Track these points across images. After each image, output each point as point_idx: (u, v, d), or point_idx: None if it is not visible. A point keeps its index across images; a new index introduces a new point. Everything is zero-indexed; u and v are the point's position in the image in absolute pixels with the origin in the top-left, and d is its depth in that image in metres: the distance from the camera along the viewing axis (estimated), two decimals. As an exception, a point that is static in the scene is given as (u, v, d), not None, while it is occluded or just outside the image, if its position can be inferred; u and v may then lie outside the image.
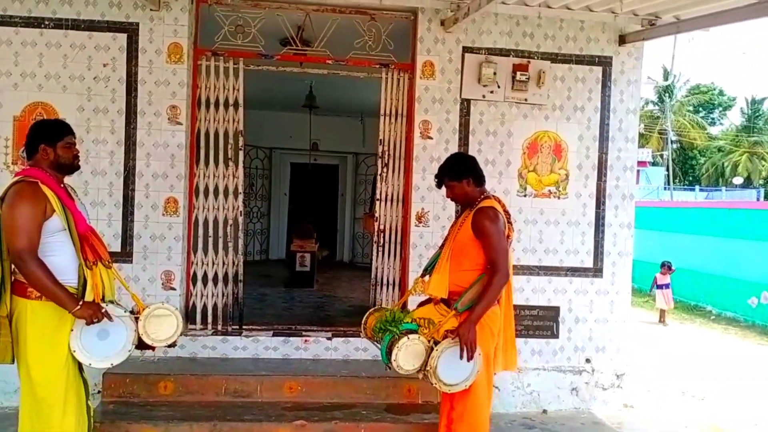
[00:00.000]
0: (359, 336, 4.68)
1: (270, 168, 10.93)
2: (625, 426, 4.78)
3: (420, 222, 4.87)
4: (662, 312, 9.91)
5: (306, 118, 9.17)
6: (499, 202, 3.30)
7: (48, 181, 2.81)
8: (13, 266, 2.79)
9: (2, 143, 4.54)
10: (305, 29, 5.03)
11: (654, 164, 31.61)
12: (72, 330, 2.79)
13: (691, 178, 36.41)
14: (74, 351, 2.80)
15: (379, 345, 3.27)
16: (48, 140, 2.88)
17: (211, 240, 4.83)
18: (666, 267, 10.06)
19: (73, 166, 2.98)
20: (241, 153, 4.89)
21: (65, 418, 2.82)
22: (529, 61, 4.87)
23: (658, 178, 28.45)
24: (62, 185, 2.93)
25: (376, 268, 5.05)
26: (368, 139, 10.23)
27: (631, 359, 5.26)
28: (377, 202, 5.06)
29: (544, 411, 4.90)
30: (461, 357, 3.01)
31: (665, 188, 27.70)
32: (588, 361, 5.02)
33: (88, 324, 2.76)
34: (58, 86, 4.55)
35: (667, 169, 30.90)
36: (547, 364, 4.97)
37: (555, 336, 4.97)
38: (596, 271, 5.02)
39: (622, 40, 5.01)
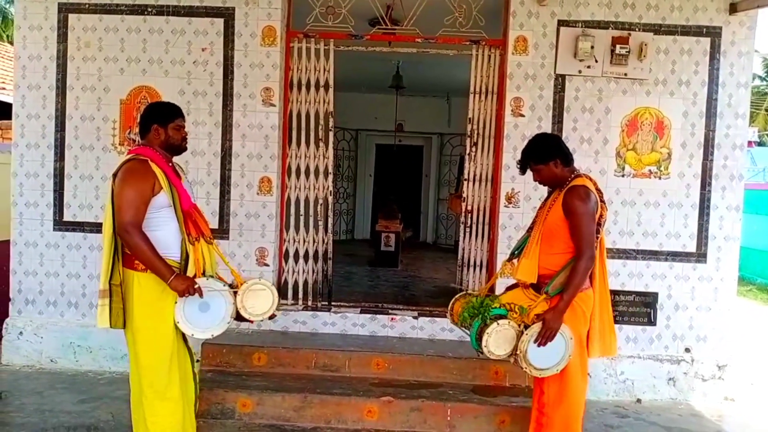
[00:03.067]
0: (445, 317, 4.68)
1: (356, 149, 11.06)
2: (726, 420, 4.52)
3: (510, 203, 4.77)
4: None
5: (392, 100, 9.18)
6: (592, 180, 3.15)
7: (157, 160, 2.95)
8: (122, 239, 2.95)
9: (110, 125, 4.82)
10: (394, 8, 5.00)
11: (761, 144, 29.38)
12: (176, 302, 2.93)
13: (801, 160, 33.62)
14: (178, 322, 2.94)
15: (467, 331, 3.23)
16: (160, 121, 3.02)
17: (302, 218, 4.94)
18: None
19: (181, 147, 3.11)
20: (331, 134, 4.95)
21: (170, 384, 2.97)
22: (629, 34, 4.61)
23: (765, 158, 26.46)
24: (171, 164, 3.06)
25: (463, 249, 5.00)
26: (454, 119, 10.12)
27: (734, 350, 4.95)
28: (465, 182, 4.99)
29: (638, 400, 4.72)
30: (536, 341, 2.93)
31: (773, 170, 25.74)
32: (688, 350, 4.77)
33: (181, 296, 2.89)
34: (160, 70, 4.77)
35: (775, 150, 28.68)
36: (643, 352, 4.76)
37: (652, 323, 4.75)
38: (699, 256, 4.74)
39: (734, 8, 4.64)
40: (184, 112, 3.15)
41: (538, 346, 2.94)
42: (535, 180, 3.27)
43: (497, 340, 2.99)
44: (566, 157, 3.16)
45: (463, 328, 3.36)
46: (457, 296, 3.57)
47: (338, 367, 4.33)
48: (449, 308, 3.52)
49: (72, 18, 4.79)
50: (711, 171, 4.73)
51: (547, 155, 3.13)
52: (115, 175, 2.93)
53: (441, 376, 4.30)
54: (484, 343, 2.99)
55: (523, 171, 3.24)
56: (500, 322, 3.00)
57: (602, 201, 3.15)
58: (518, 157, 4.60)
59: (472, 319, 3.17)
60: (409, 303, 5.46)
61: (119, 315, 2.93)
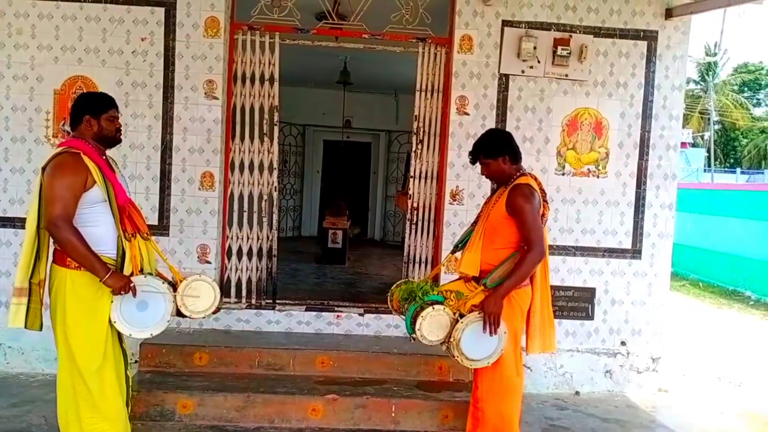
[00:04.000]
0: (391, 313, 4.70)
1: (303, 145, 10.96)
2: (660, 410, 4.71)
3: (454, 200, 4.82)
4: None
5: (339, 95, 9.14)
6: (535, 179, 3.22)
7: (90, 153, 2.83)
8: (54, 235, 2.83)
9: (43, 116, 4.61)
10: (341, 3, 4.97)
11: (694, 145, 30.74)
12: (112, 301, 2.83)
13: (732, 160, 35.32)
14: (114, 321, 2.84)
15: (403, 316, 3.25)
16: (92, 112, 2.91)
17: (246, 215, 4.86)
18: None
19: (115, 139, 3.00)
20: (276, 128, 4.88)
21: (104, 386, 2.87)
22: (570, 36, 4.73)
23: (698, 159, 27.67)
24: (104, 157, 2.95)
25: (409, 246, 5.02)
26: (402, 116, 10.16)
27: (667, 343, 5.16)
28: (411, 180, 5.01)
29: (577, 393, 4.86)
30: (484, 330, 2.97)
31: (705, 170, 26.97)
32: (623, 343, 4.94)
33: (115, 294, 2.79)
34: (97, 60, 4.60)
35: (708, 151, 30.04)
36: (581, 345, 4.90)
37: (590, 317, 4.90)
38: (635, 252, 4.91)
39: (669, 13, 4.82)
40: (118, 103, 3.04)
41: (488, 335, 2.97)
42: (482, 173, 3.32)
43: (431, 324, 3.02)
44: (515, 155, 3.22)
45: (401, 314, 3.38)
46: (398, 283, 3.60)
47: (282, 365, 4.29)
48: (389, 294, 3.54)
49: (2, 3, 4.56)
50: (646, 170, 4.91)
51: (496, 151, 3.19)
52: (44, 169, 2.80)
53: (386, 373, 4.31)
54: (417, 326, 3.01)
55: (473, 162, 3.30)
56: (435, 306, 3.03)
57: (545, 200, 3.23)
58: (463, 155, 4.72)
59: (408, 303, 3.20)
60: (356, 300, 5.45)
61: (36, 316, 2.83)
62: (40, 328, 2.86)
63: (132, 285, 2.80)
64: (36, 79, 4.60)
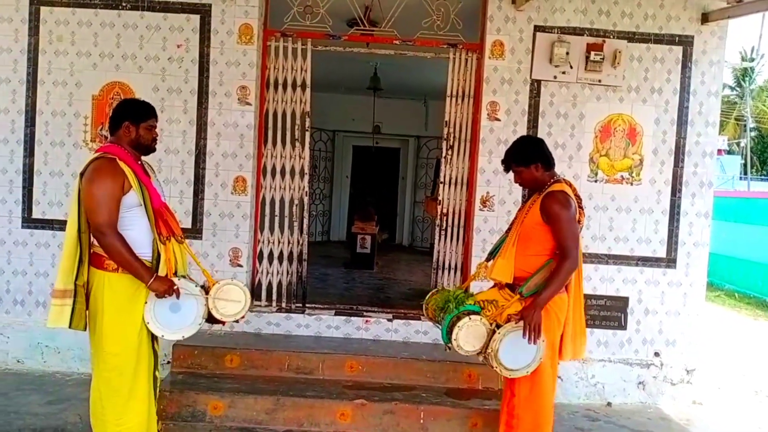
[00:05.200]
0: (420, 319, 4.72)
1: (333, 150, 11.03)
2: (694, 423, 4.60)
3: (485, 206, 4.79)
4: None
5: (369, 101, 9.18)
6: (570, 185, 3.19)
7: (126, 158, 2.89)
8: (91, 238, 2.90)
9: (81, 121, 4.73)
10: (373, 9, 5.00)
11: (729, 152, 30.05)
12: (146, 303, 2.88)
13: (769, 168, 34.42)
14: (148, 323, 2.89)
15: (439, 325, 3.24)
16: (133, 118, 2.96)
17: (277, 219, 4.91)
18: None
19: (150, 148, 3.06)
20: (307, 134, 4.92)
21: (135, 387, 2.92)
22: (604, 41, 4.68)
23: (734, 167, 27.06)
24: (139, 162, 3.01)
25: (438, 252, 5.00)
26: (431, 122, 10.16)
27: (702, 355, 5.04)
28: (441, 186, 5.00)
29: (609, 404, 4.77)
30: (525, 337, 2.94)
31: (741, 178, 26.33)
32: (657, 354, 4.84)
33: (159, 297, 2.85)
34: (134, 66, 4.70)
35: (744, 158, 29.33)
36: (613, 356, 4.82)
37: (623, 327, 4.81)
38: (669, 261, 4.82)
39: (705, 18, 4.74)
40: (157, 112, 3.10)
41: (529, 343, 2.95)
42: (515, 182, 3.30)
43: (467, 335, 3.00)
44: (547, 161, 3.19)
45: (436, 323, 3.37)
46: (432, 291, 3.59)
47: (311, 369, 4.31)
48: (425, 303, 3.53)
49: (44, 11, 4.69)
50: (681, 178, 4.82)
51: (528, 158, 3.16)
52: (82, 174, 2.87)
53: (414, 379, 4.30)
54: (454, 336, 2.99)
55: (506, 170, 3.28)
56: (472, 317, 3.01)
57: (580, 206, 3.19)
58: (494, 161, 4.71)
59: (444, 312, 3.18)
60: (384, 305, 5.45)
61: (81, 317, 2.88)
62: (84, 329, 2.92)
63: (176, 288, 2.85)
64: (75, 84, 4.72)
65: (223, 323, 3.09)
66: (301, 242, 4.99)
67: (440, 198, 4.99)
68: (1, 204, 4.74)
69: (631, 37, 4.74)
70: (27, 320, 4.74)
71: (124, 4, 4.67)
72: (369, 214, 8.82)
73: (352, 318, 4.82)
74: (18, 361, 4.75)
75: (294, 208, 4.93)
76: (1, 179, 4.73)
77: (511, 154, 3.24)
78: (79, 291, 2.87)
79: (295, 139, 4.89)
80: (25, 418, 3.85)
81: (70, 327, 2.86)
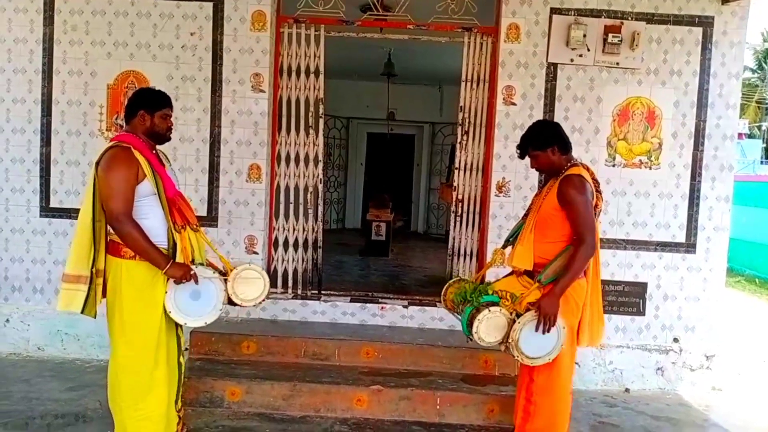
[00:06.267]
0: (435, 306, 4.71)
1: (347, 138, 11.01)
2: (714, 409, 4.56)
3: (500, 192, 4.75)
4: None
5: (383, 88, 9.13)
6: (588, 169, 3.14)
7: (140, 147, 2.90)
8: (108, 227, 2.91)
9: (97, 110, 4.75)
10: (386, -6, 4.94)
11: (750, 136, 29.54)
12: (166, 292, 2.90)
13: (791, 152, 33.79)
14: (170, 311, 2.91)
15: (459, 317, 3.23)
16: (148, 107, 2.97)
17: (291, 206, 4.91)
18: None
19: (165, 137, 3.06)
20: (321, 121, 4.91)
21: (155, 373, 2.94)
22: (622, 23, 4.59)
23: (755, 151, 26.56)
24: (154, 151, 3.02)
25: (454, 239, 4.98)
26: (446, 107, 10.09)
27: (722, 341, 4.98)
28: (456, 171, 4.97)
29: (627, 390, 4.74)
30: (537, 330, 2.93)
31: (762, 162, 25.89)
32: (676, 340, 4.79)
33: (177, 283, 2.86)
34: (148, 55, 4.70)
35: (765, 142, 28.82)
36: (632, 341, 4.78)
37: (641, 313, 4.77)
38: (689, 246, 4.75)
39: (726, -2, 4.64)
40: (172, 101, 3.10)
41: (542, 334, 2.93)
42: (532, 166, 3.26)
43: (488, 327, 2.99)
44: (564, 145, 3.14)
45: (456, 314, 3.35)
46: (450, 282, 3.57)
47: (328, 355, 4.32)
48: (442, 294, 3.51)
49: (58, 1, 4.71)
50: (701, 161, 4.74)
51: (545, 142, 3.12)
52: (97, 163, 2.88)
53: (431, 365, 4.29)
54: (474, 329, 2.98)
55: (522, 156, 3.23)
56: (492, 309, 2.99)
57: (598, 191, 3.15)
58: (509, 146, 4.67)
59: (463, 304, 3.17)
60: (400, 292, 5.45)
61: (93, 303, 2.90)
62: (95, 316, 2.94)
63: (193, 272, 2.86)
64: (90, 74, 4.73)
65: (244, 306, 3.10)
66: (316, 229, 4.99)
67: (455, 184, 4.95)
68: (20, 193, 4.79)
69: (650, 18, 4.65)
70: (46, 308, 4.80)
71: (137, -7, 4.67)
72: (384, 201, 8.80)
73: (368, 305, 4.82)
74: (39, 349, 4.82)
75: (308, 195, 4.92)
76: (19, 169, 4.78)
77: (528, 138, 3.19)
78: (94, 278, 2.89)
79: (308, 126, 4.88)
80: (47, 404, 3.91)
81: (82, 312, 2.89)
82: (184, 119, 4.68)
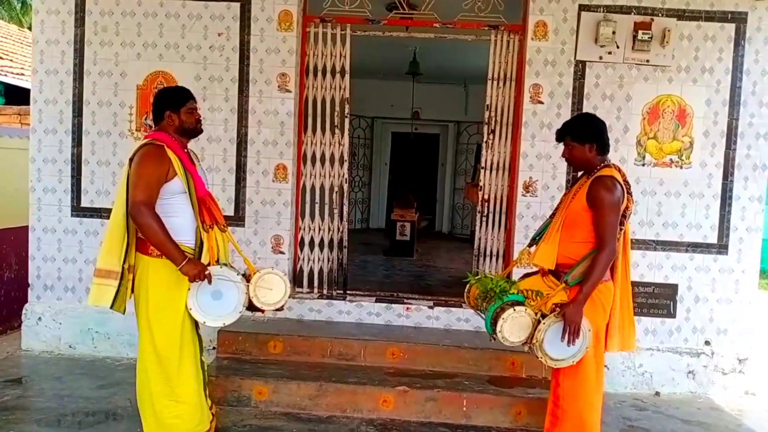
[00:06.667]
0: (461, 306, 4.68)
1: (372, 137, 11.01)
2: (746, 414, 4.45)
3: (527, 191, 4.70)
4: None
5: (408, 87, 9.11)
6: (620, 171, 3.08)
7: (173, 146, 2.94)
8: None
9: (127, 111, 4.81)
10: (412, -8, 4.93)
11: (782, 134, 28.90)
12: (189, 289, 2.92)
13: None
14: (190, 309, 2.93)
15: (482, 315, 3.19)
16: (172, 106, 3.01)
17: (317, 206, 4.92)
18: None
19: (196, 130, 3.10)
20: (346, 120, 4.91)
21: (182, 369, 2.97)
22: (652, 19, 4.51)
23: (787, 149, 25.94)
24: (186, 150, 3.05)
25: (479, 239, 4.94)
26: (471, 106, 10.03)
27: (755, 344, 4.87)
28: (482, 171, 4.93)
29: (657, 393, 4.66)
30: (562, 339, 2.88)
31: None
32: (707, 343, 4.70)
33: (191, 281, 2.87)
34: (177, 55, 4.75)
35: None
36: (662, 344, 4.70)
37: (671, 315, 4.68)
38: (721, 247, 4.65)
39: (760, -7, 4.53)
40: (197, 97, 3.13)
41: (568, 345, 2.89)
42: (563, 155, 3.19)
43: (512, 326, 2.94)
44: (603, 146, 3.09)
45: (479, 312, 3.32)
46: (474, 279, 3.54)
47: (353, 355, 4.32)
48: (466, 291, 3.47)
49: (89, 2, 4.78)
50: (734, 161, 4.63)
51: (586, 136, 3.06)
52: (131, 160, 2.92)
53: (457, 367, 4.27)
54: (498, 328, 2.94)
55: (558, 139, 3.19)
56: (517, 308, 2.95)
57: (629, 193, 3.08)
58: (537, 145, 4.63)
59: (488, 302, 3.13)
60: (425, 292, 5.43)
61: (123, 299, 2.94)
62: (124, 312, 2.98)
63: (207, 273, 2.88)
64: (120, 74, 4.80)
65: (263, 311, 3.11)
66: (341, 229, 4.99)
67: (481, 184, 4.91)
68: (51, 193, 4.88)
69: (681, 14, 4.56)
70: (78, 306, 4.88)
71: (165, -6, 4.72)
72: (408, 200, 8.78)
73: (393, 305, 4.81)
74: (70, 347, 4.90)
75: (334, 195, 4.93)
76: (51, 169, 4.86)
77: (570, 126, 3.14)
78: (125, 274, 2.93)
79: (334, 126, 4.88)
80: (78, 402, 3.98)
81: (111, 308, 2.92)
82: (211, 119, 4.71)
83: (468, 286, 3.48)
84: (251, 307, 3.06)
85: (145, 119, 4.77)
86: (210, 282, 2.89)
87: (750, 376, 4.74)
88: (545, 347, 2.91)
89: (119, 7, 4.76)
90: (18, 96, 8.62)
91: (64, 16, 4.79)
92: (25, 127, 6.86)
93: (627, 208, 3.06)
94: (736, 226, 4.66)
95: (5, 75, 8.96)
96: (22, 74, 9.37)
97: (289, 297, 3.12)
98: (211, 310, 2.96)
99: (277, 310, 3.15)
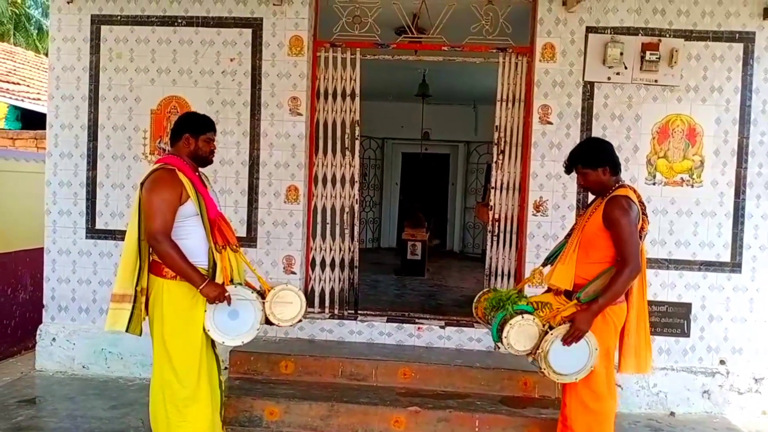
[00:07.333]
0: (472, 326, 4.68)
1: (382, 158, 11.08)
2: (764, 435, 4.40)
3: (538, 211, 4.71)
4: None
5: (418, 108, 9.18)
6: (635, 191, 3.09)
7: (184, 169, 2.99)
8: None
9: (141, 135, 4.90)
10: (421, 17, 5.00)
11: (796, 151, 28.69)
12: (206, 311, 2.95)
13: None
14: (209, 330, 2.97)
15: (489, 325, 3.18)
16: (193, 131, 3.07)
17: (328, 227, 4.96)
18: None
19: (207, 160, 3.15)
20: (357, 142, 4.96)
21: (199, 390, 2.99)
22: (660, 40, 4.55)
23: (801, 166, 25.72)
24: (197, 173, 3.10)
25: (490, 258, 4.95)
26: (481, 127, 10.08)
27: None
28: (492, 191, 4.95)
29: (672, 413, 4.60)
30: (564, 342, 2.86)
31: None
32: (722, 362, 4.65)
33: (210, 303, 2.91)
34: (190, 81, 4.84)
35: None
36: (676, 364, 4.65)
37: (686, 334, 4.64)
38: (734, 266, 4.63)
39: (767, 12, 4.54)
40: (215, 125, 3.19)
41: (564, 344, 2.88)
42: (578, 183, 3.21)
43: (519, 333, 2.94)
44: (615, 167, 3.10)
45: (486, 323, 3.30)
46: (484, 291, 3.54)
47: (365, 376, 4.32)
48: (474, 302, 3.48)
49: (104, 30, 4.89)
50: (745, 179, 4.63)
51: (598, 161, 3.07)
52: (142, 184, 2.97)
53: (469, 387, 4.25)
54: (504, 334, 2.93)
55: (568, 171, 3.19)
56: (525, 316, 2.96)
57: (644, 213, 3.09)
58: (546, 165, 4.64)
59: (495, 311, 3.13)
60: (436, 312, 5.43)
61: (138, 321, 2.97)
62: (140, 333, 3.01)
63: (227, 294, 2.91)
64: (134, 99, 4.89)
65: (280, 326, 3.14)
66: (352, 249, 5.02)
67: (492, 203, 4.93)
68: (66, 215, 4.95)
69: (689, 35, 4.59)
70: (91, 327, 4.92)
71: (179, 21, 4.83)
72: (419, 220, 8.81)
73: (404, 325, 4.81)
74: (83, 367, 4.93)
75: (345, 215, 4.97)
76: (66, 192, 4.95)
77: (579, 155, 3.13)
78: (138, 297, 2.96)
79: (345, 148, 4.94)
80: (91, 422, 4.00)
81: (127, 331, 2.96)
82: (224, 142, 4.78)
83: (478, 296, 3.48)
84: (268, 322, 3.10)
85: (159, 142, 4.85)
86: (230, 303, 2.93)
87: (767, 395, 4.67)
88: (550, 359, 2.89)
89: (133, 35, 4.87)
90: (34, 121, 8.77)
91: (80, 43, 4.91)
92: (41, 151, 6.97)
93: (642, 228, 3.07)
94: (749, 244, 4.64)
95: (22, 100, 9.13)
96: (39, 99, 9.54)
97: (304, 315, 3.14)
98: (229, 329, 3.00)
99: (293, 324, 3.18)
